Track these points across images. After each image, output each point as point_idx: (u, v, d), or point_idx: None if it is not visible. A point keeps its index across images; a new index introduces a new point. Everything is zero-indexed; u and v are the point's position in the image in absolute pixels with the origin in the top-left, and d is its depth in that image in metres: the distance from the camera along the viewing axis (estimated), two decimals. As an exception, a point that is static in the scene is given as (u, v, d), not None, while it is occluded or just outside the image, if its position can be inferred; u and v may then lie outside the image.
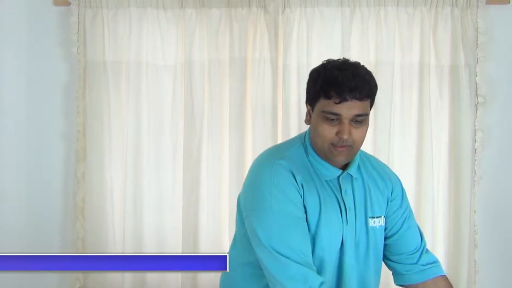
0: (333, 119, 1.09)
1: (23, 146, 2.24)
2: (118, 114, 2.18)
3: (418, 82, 2.14)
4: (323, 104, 1.11)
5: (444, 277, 1.29)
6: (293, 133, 2.06)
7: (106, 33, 2.15)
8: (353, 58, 2.06)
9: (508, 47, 2.16)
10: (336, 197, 1.17)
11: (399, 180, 1.33)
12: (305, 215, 1.13)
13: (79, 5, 2.14)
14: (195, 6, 2.14)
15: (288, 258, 1.07)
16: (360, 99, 1.09)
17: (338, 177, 1.18)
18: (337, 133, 1.09)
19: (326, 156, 1.14)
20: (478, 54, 2.11)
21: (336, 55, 2.10)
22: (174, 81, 2.17)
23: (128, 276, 2.15)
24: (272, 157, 1.18)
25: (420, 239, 1.29)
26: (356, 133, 1.10)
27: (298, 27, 2.13)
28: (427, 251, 1.30)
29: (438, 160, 2.14)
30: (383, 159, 2.09)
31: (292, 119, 2.13)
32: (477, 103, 2.13)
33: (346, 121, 1.09)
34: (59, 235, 2.23)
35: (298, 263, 1.07)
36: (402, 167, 2.15)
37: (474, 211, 2.13)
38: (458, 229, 2.12)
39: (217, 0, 2.13)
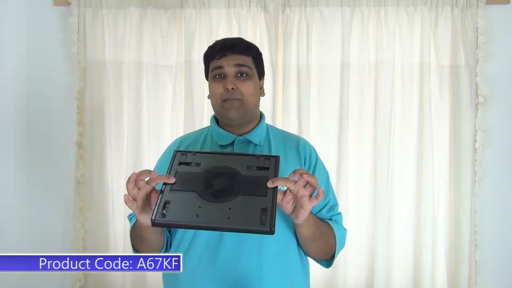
0: (220, 75, 1.21)
1: (24, 146, 2.24)
2: (118, 114, 2.18)
3: (418, 82, 2.14)
4: (211, 66, 1.24)
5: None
6: (293, 132, 2.05)
7: (106, 33, 2.16)
8: (353, 58, 2.13)
9: (508, 47, 2.16)
10: None
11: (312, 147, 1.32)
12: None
13: (79, 5, 2.14)
14: (195, 6, 2.14)
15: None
16: (239, 53, 1.22)
17: (233, 142, 1.25)
18: (224, 87, 1.20)
19: (221, 114, 1.23)
20: (478, 54, 2.12)
21: (336, 55, 2.15)
22: (174, 81, 2.17)
23: (128, 276, 2.15)
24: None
25: (326, 198, 1.26)
26: (242, 86, 1.20)
27: (298, 27, 2.13)
28: (329, 210, 1.26)
29: (438, 160, 2.14)
30: (383, 158, 2.11)
31: (292, 118, 2.14)
32: (478, 103, 2.13)
33: (230, 74, 1.20)
34: (60, 235, 2.23)
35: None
36: (403, 167, 2.15)
37: (475, 212, 2.13)
38: (458, 230, 2.12)
39: (217, 0, 2.13)
